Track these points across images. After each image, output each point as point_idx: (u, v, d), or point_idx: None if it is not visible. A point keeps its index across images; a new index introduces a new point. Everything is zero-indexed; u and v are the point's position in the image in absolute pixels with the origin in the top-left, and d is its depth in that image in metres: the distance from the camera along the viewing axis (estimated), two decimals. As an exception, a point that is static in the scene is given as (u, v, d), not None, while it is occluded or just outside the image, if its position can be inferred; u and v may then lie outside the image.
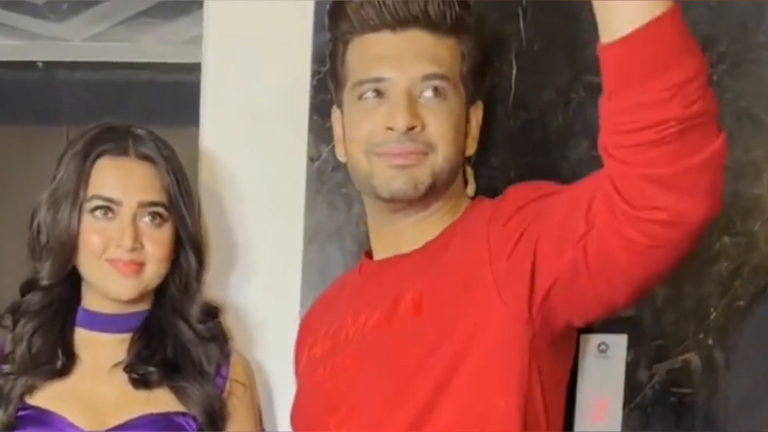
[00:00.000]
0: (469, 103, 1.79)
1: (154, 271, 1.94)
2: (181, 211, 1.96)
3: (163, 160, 1.95)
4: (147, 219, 1.93)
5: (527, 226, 1.58)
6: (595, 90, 1.91)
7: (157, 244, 1.93)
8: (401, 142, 1.71)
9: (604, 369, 1.93)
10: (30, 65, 4.61)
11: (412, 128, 1.70)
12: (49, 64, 4.62)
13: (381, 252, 1.83)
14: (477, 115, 1.83)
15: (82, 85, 4.53)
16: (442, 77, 1.72)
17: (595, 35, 1.95)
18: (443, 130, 1.72)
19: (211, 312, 2.02)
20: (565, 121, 1.97)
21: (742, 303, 1.95)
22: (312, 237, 2.07)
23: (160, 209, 1.94)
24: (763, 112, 1.94)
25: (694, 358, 1.95)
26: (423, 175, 1.72)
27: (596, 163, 1.87)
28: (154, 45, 4.41)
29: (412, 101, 1.71)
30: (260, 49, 2.07)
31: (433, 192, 1.74)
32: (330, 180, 2.03)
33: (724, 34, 1.95)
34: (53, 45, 4.48)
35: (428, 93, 1.72)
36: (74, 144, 1.96)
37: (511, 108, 2.00)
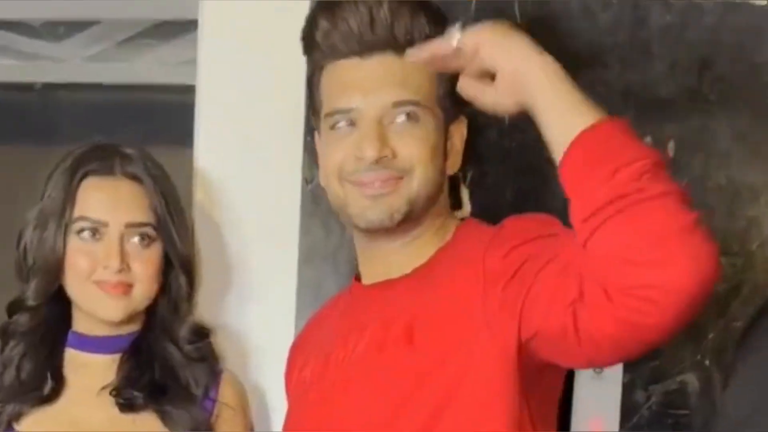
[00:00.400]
0: (449, 121, 1.76)
1: (142, 292, 1.93)
2: (170, 232, 1.94)
3: (151, 180, 1.93)
4: (135, 240, 1.92)
5: (522, 265, 1.55)
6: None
7: (145, 265, 1.92)
8: (373, 170, 1.68)
9: (600, 390, 1.92)
10: (28, 86, 4.62)
11: (383, 157, 1.68)
12: (46, 85, 4.62)
13: (369, 277, 1.80)
14: (460, 130, 1.79)
15: (79, 105, 4.53)
16: (413, 103, 1.70)
17: (590, 57, 1.97)
18: (417, 153, 1.69)
19: (201, 333, 2.00)
20: (560, 142, 1.96)
21: (739, 324, 1.94)
22: (307, 258, 2.07)
23: (148, 230, 1.92)
24: (759, 134, 1.94)
25: (691, 380, 1.94)
26: (398, 203, 1.69)
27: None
28: (151, 66, 4.41)
29: (382, 129, 1.68)
30: (254, 71, 2.07)
31: (411, 217, 1.72)
32: (324, 201, 2.00)
33: (721, 57, 1.96)
34: (51, 66, 4.48)
35: (400, 118, 1.69)
36: (62, 163, 1.95)
37: (506, 130, 1.99)
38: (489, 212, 1.87)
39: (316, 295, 2.04)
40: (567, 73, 1.52)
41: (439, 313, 1.64)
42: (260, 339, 2.10)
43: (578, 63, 1.95)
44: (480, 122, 1.97)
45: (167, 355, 1.95)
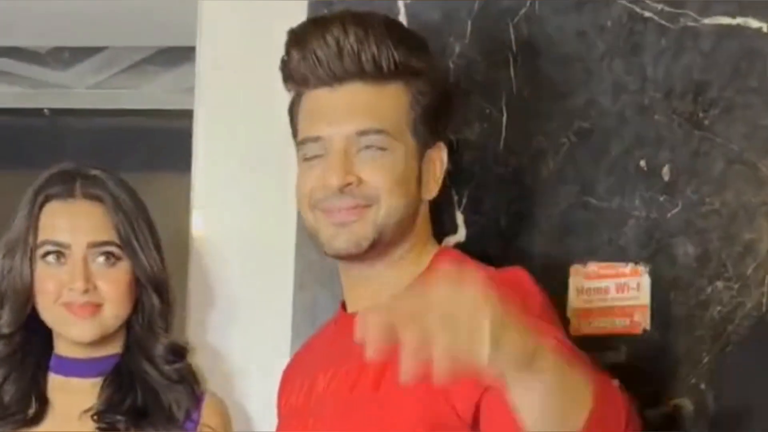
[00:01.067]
0: (425, 146, 1.76)
1: (112, 312, 1.94)
2: (135, 250, 1.94)
3: (111, 199, 1.94)
4: (101, 259, 1.93)
5: None
6: (585, 136, 1.94)
7: (112, 284, 1.93)
8: (339, 198, 1.70)
9: (595, 415, 1.91)
10: (36, 112, 4.64)
11: (348, 185, 1.69)
12: (54, 111, 4.64)
13: (352, 305, 1.81)
14: (440, 156, 1.79)
15: (85, 131, 4.55)
16: (379, 131, 1.71)
17: (585, 82, 1.97)
18: (383, 182, 1.70)
19: (179, 351, 2.00)
20: (555, 167, 1.96)
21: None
22: (302, 282, 2.08)
23: (112, 248, 1.93)
24: (754, 156, 1.93)
25: (686, 404, 1.93)
26: (364, 230, 1.70)
27: (585, 209, 1.88)
28: (156, 92, 4.43)
29: (348, 158, 1.70)
30: (252, 96, 2.08)
31: (381, 245, 1.72)
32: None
33: (716, 79, 1.95)
34: (56, 92, 4.51)
35: (366, 147, 1.71)
36: (28, 190, 1.97)
37: (501, 154, 2.00)
38: (484, 237, 1.87)
39: (311, 319, 2.04)
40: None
41: None
42: (255, 364, 2.10)
43: (573, 87, 1.96)
44: (474, 146, 1.98)
45: (147, 377, 1.96)
